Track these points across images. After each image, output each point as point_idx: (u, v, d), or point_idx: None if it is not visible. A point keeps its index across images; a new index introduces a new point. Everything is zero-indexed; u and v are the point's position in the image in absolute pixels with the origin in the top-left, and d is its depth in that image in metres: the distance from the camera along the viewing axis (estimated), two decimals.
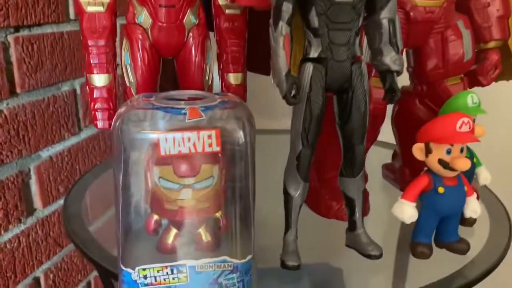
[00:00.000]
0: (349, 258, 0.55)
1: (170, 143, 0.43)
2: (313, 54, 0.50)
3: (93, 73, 0.54)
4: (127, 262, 0.46)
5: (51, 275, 0.80)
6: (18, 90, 0.71)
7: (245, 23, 0.59)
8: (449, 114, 0.53)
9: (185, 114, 0.44)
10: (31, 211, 0.75)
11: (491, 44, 0.66)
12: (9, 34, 0.69)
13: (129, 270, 0.45)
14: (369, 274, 0.56)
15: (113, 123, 0.45)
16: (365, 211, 0.65)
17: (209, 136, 0.43)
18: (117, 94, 0.56)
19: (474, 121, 0.58)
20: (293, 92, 0.48)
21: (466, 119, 0.51)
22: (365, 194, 0.66)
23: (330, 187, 0.64)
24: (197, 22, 0.56)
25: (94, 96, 0.55)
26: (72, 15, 0.81)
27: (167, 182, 0.45)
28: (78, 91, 0.84)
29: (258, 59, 0.60)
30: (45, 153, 0.77)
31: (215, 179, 0.46)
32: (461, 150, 0.52)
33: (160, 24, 0.54)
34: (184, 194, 0.45)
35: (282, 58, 0.48)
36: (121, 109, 0.46)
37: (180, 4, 0.54)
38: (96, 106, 0.55)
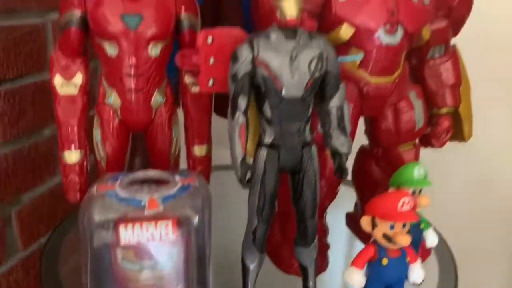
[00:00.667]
0: None
1: (129, 233, 0.48)
2: (267, 140, 0.54)
3: (64, 150, 0.58)
4: None
5: None
6: None
7: (210, 100, 0.63)
8: (392, 192, 0.57)
9: (144, 205, 0.48)
10: (11, 253, 0.78)
11: (444, 110, 0.70)
12: None
13: None
14: None
15: (80, 208, 0.50)
16: (323, 267, 0.70)
17: (166, 225, 0.48)
18: (88, 167, 0.60)
19: (420, 191, 0.63)
20: (247, 177, 0.53)
21: (407, 199, 0.55)
22: (323, 248, 0.71)
23: (292, 244, 0.69)
24: (164, 100, 0.60)
25: (66, 172, 0.59)
26: None
27: (128, 264, 0.50)
28: None
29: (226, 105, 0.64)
30: (26, 197, 0.81)
31: (174, 259, 0.51)
32: (404, 226, 0.56)
33: (128, 105, 0.58)
34: (145, 275, 0.50)
35: (238, 146, 0.52)
36: (89, 194, 0.51)
37: (148, 87, 0.58)
38: (67, 181, 0.59)
